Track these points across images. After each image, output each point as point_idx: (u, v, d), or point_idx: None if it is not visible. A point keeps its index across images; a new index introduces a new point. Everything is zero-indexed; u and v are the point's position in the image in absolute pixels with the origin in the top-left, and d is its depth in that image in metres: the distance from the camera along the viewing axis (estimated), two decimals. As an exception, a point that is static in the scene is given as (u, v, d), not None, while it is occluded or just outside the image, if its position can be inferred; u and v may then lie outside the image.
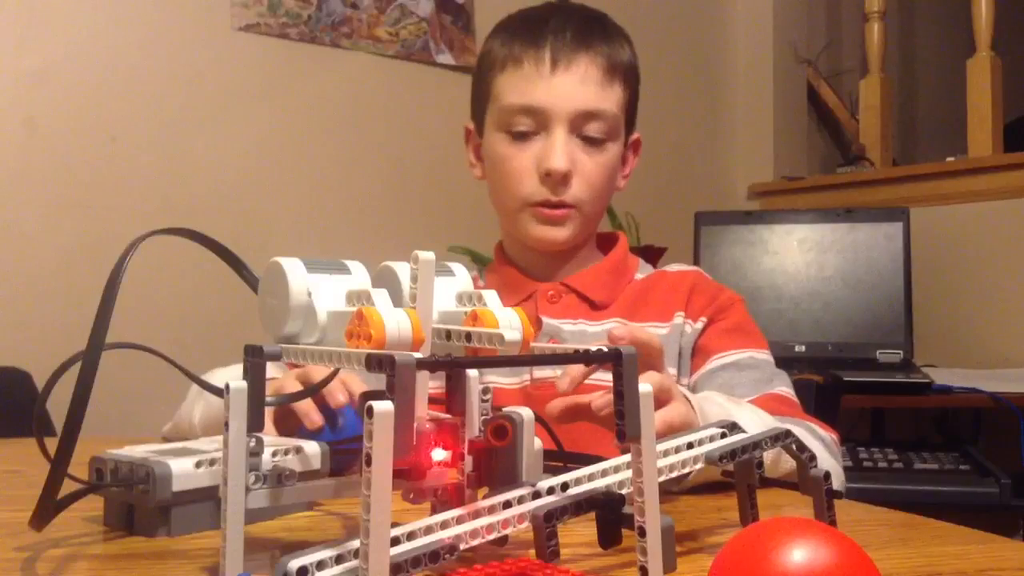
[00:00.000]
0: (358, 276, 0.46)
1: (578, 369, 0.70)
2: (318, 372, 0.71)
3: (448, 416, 0.46)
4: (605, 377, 0.40)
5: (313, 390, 0.57)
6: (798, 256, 2.16)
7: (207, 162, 1.89)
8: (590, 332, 1.01)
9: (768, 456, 0.65)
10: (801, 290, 2.14)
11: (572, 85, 0.98)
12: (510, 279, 1.05)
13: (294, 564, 0.35)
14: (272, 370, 0.72)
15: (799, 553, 0.33)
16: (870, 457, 1.76)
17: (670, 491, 0.69)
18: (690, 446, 0.52)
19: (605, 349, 0.39)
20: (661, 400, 0.70)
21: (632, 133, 1.07)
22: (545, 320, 1.01)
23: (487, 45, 1.05)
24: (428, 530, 0.39)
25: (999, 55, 2.34)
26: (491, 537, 0.42)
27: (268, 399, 0.41)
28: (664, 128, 2.51)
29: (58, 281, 1.72)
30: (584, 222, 1.02)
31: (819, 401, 1.70)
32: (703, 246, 2.19)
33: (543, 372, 0.97)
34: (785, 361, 1.98)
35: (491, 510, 0.42)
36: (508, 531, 0.42)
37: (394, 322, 0.40)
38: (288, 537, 0.54)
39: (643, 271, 1.09)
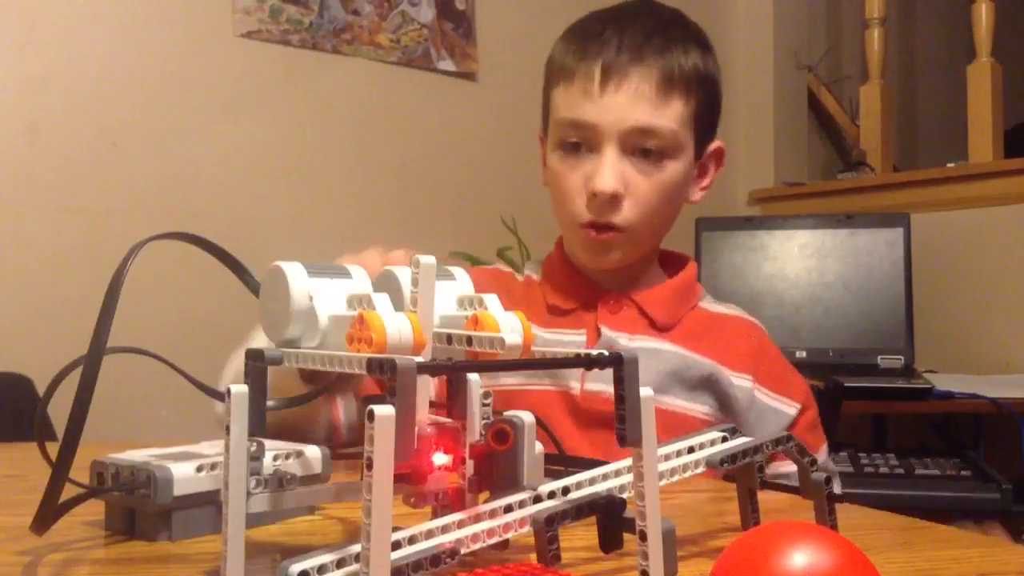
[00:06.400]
0: (359, 280, 0.46)
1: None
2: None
3: (449, 420, 0.46)
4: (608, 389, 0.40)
5: (316, 393, 0.57)
6: (799, 262, 2.16)
7: (209, 168, 1.90)
8: (663, 351, 0.97)
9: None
10: (802, 296, 2.14)
11: (622, 103, 0.93)
12: (573, 281, 1.02)
13: (295, 568, 0.35)
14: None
15: (800, 557, 0.33)
16: (871, 463, 1.76)
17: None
18: (691, 450, 0.52)
19: (606, 353, 0.39)
20: None
21: (709, 142, 1.02)
22: (604, 330, 0.98)
23: (552, 51, 1.02)
24: (429, 534, 0.39)
25: (999, 61, 2.34)
26: (492, 541, 0.42)
27: (269, 403, 0.41)
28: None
29: (59, 286, 1.72)
30: (635, 244, 0.98)
31: (820, 407, 1.69)
32: (704, 252, 2.19)
33: (595, 385, 0.94)
34: (786, 367, 1.99)
35: (492, 514, 0.42)
36: (509, 535, 0.42)
37: (395, 326, 0.40)
38: (289, 541, 0.54)
39: (705, 300, 1.06)
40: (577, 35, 0.99)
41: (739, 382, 0.98)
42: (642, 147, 0.94)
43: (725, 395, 0.98)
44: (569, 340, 0.98)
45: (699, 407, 0.97)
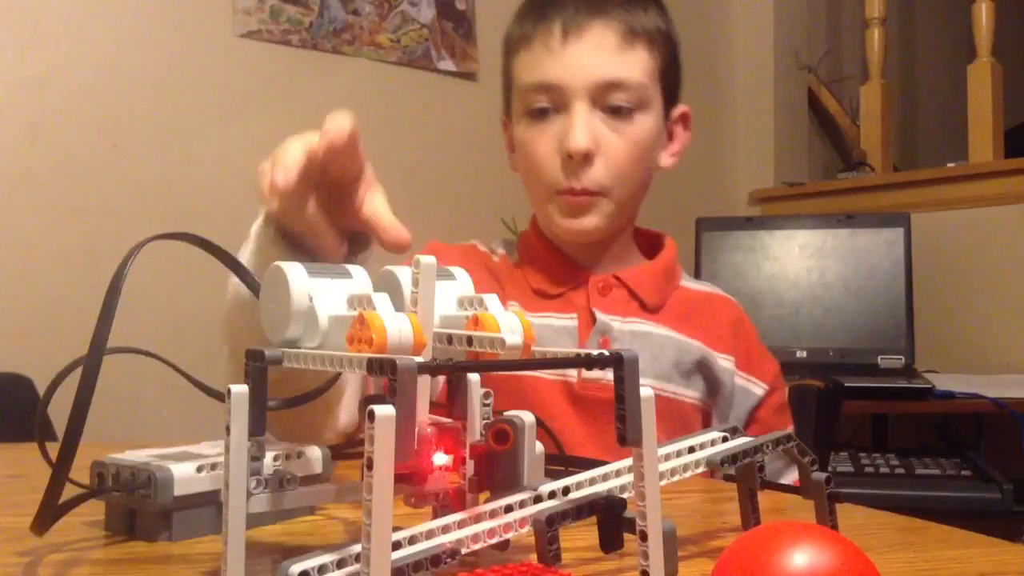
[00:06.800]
0: (359, 280, 0.46)
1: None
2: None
3: (449, 420, 0.46)
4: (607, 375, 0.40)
5: (317, 392, 0.57)
6: (799, 262, 2.16)
7: (209, 168, 1.90)
8: (656, 334, 0.97)
9: None
10: (802, 296, 2.14)
11: (585, 54, 0.91)
12: (556, 262, 1.00)
13: (296, 568, 0.35)
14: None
15: (801, 557, 0.33)
16: (872, 463, 1.76)
17: None
18: (691, 450, 0.52)
19: (607, 352, 0.39)
20: None
21: (675, 106, 1.01)
22: (598, 314, 0.96)
23: (507, 30, 1.00)
24: (429, 534, 0.39)
25: (1000, 61, 2.34)
26: (492, 541, 0.42)
27: (270, 403, 0.41)
28: (665, 134, 2.51)
29: (60, 286, 1.72)
30: (616, 208, 0.96)
31: (820, 407, 1.70)
32: (704, 252, 2.19)
33: (592, 373, 0.91)
34: (786, 367, 1.98)
35: (493, 514, 0.42)
36: (510, 535, 0.42)
37: (395, 326, 0.40)
38: (289, 541, 0.54)
39: (684, 279, 1.06)
40: (533, 4, 0.98)
41: (724, 364, 0.99)
42: (611, 103, 0.92)
43: (714, 379, 0.98)
44: (560, 324, 0.96)
45: (692, 392, 0.97)
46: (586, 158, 0.92)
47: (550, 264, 1.00)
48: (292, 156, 0.61)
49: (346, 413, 0.81)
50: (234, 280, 0.73)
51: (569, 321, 0.97)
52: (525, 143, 0.96)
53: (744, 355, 1.01)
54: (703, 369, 0.98)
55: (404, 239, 0.61)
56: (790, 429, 1.04)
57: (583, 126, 0.91)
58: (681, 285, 1.04)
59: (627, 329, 0.96)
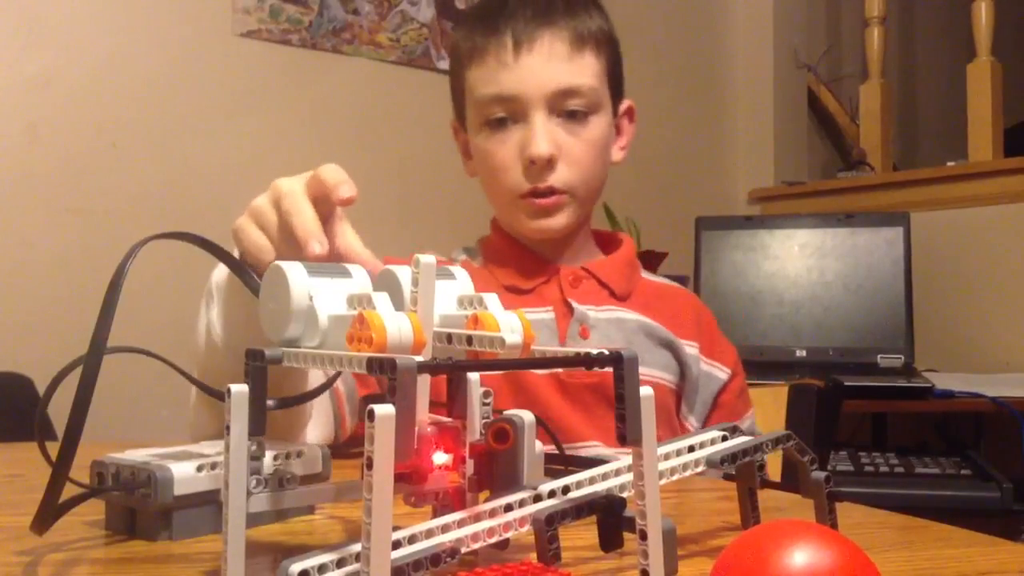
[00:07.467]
0: (359, 280, 0.46)
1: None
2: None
3: (449, 420, 0.46)
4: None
5: (319, 391, 0.57)
6: (799, 261, 2.16)
7: (208, 167, 1.90)
8: (628, 320, 0.99)
9: None
10: (802, 295, 2.14)
11: (539, 65, 0.94)
12: (524, 259, 1.02)
13: (296, 568, 0.35)
14: None
15: (801, 556, 0.33)
16: (871, 462, 1.76)
17: None
18: (691, 449, 0.52)
19: (607, 352, 0.39)
20: None
21: (621, 101, 1.04)
22: (575, 305, 0.98)
23: (453, 39, 1.03)
24: (429, 533, 0.39)
25: (999, 60, 2.34)
26: (492, 540, 0.42)
27: (269, 403, 0.41)
28: (665, 133, 2.52)
29: (59, 286, 1.72)
30: (579, 205, 0.99)
31: (820, 406, 1.69)
32: (704, 251, 2.19)
33: None
34: (786, 366, 2.00)
35: (492, 513, 0.42)
36: (509, 534, 0.42)
37: (395, 326, 0.40)
38: (289, 541, 0.54)
39: (644, 273, 1.09)
40: (479, 14, 1.00)
41: (690, 350, 1.02)
42: (567, 109, 0.95)
43: (683, 363, 1.01)
44: (537, 319, 0.98)
45: (668, 376, 1.01)
46: (548, 163, 0.95)
47: (519, 261, 1.02)
48: (312, 219, 0.62)
49: (318, 431, 0.83)
50: (201, 328, 0.75)
51: (546, 314, 0.99)
52: (485, 152, 0.99)
53: (707, 341, 1.05)
54: (673, 350, 1.01)
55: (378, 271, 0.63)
56: (752, 410, 1.07)
57: (543, 133, 0.94)
58: (643, 277, 1.08)
59: (602, 317, 0.99)
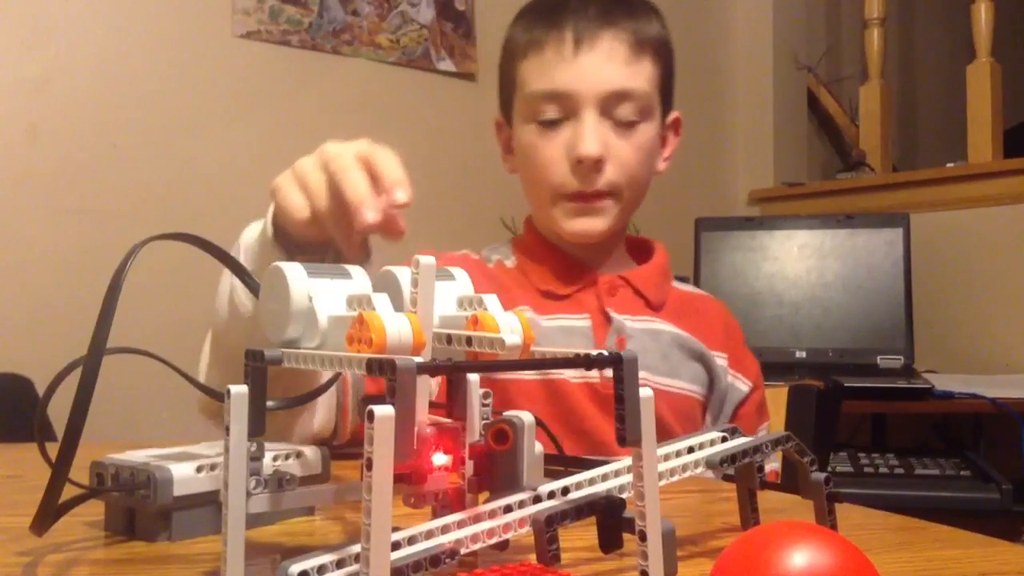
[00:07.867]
0: (359, 281, 0.46)
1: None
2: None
3: (449, 420, 0.46)
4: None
5: (320, 391, 0.57)
6: (799, 262, 2.16)
7: (208, 168, 1.90)
8: (664, 331, 0.98)
9: None
10: (802, 296, 2.14)
11: (598, 64, 0.93)
12: (561, 264, 1.01)
13: (295, 569, 0.35)
14: None
15: (800, 557, 0.33)
16: (871, 463, 1.76)
17: None
18: (691, 450, 0.52)
19: (606, 353, 0.39)
20: None
21: (670, 112, 1.03)
22: (613, 314, 0.97)
23: (509, 32, 1.01)
24: (429, 534, 0.39)
25: (999, 61, 2.34)
26: (492, 541, 0.42)
27: (269, 403, 0.41)
28: (664, 134, 2.51)
29: (59, 287, 1.72)
30: (623, 210, 0.97)
31: (820, 407, 1.69)
32: (704, 252, 2.19)
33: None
34: (786, 367, 2.00)
35: (492, 514, 0.42)
36: (509, 535, 0.42)
37: (395, 326, 0.40)
38: (289, 542, 0.54)
39: (674, 281, 1.08)
40: (541, 9, 0.99)
41: (720, 361, 1.01)
42: (619, 112, 0.94)
43: (713, 374, 1.00)
44: (574, 326, 0.97)
45: (697, 388, 1.00)
46: (596, 164, 0.93)
47: (557, 266, 1.01)
48: (365, 185, 0.61)
49: (319, 417, 0.81)
50: (223, 292, 0.73)
51: (583, 322, 0.97)
52: (531, 146, 0.97)
53: (734, 353, 1.04)
54: (705, 365, 1.00)
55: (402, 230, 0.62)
56: (767, 424, 1.07)
57: (593, 133, 0.92)
58: (674, 287, 1.07)
59: (639, 327, 0.98)
